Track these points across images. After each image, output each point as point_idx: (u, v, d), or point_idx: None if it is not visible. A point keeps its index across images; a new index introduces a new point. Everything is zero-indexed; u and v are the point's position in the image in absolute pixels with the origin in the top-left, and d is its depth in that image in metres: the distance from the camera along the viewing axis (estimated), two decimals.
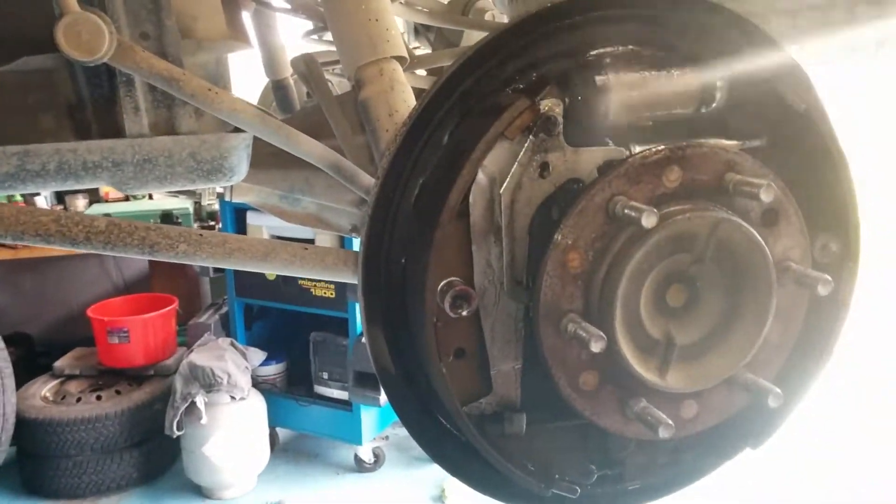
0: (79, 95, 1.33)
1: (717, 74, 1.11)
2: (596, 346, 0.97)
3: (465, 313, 1.02)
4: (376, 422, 5.31)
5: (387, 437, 5.69)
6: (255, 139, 1.48)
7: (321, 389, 5.34)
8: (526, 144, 1.02)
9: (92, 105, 1.33)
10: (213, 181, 1.44)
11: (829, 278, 1.07)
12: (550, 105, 1.02)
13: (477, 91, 1.05)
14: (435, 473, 5.20)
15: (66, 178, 1.34)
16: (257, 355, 5.34)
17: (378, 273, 1.07)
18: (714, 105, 1.11)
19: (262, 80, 2.65)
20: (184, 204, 6.26)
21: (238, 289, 5.40)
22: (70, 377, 5.43)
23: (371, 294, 1.07)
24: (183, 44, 1.32)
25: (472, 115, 1.05)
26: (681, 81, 1.09)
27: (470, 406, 1.09)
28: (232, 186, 2.07)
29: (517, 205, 1.03)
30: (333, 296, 5.02)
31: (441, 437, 1.14)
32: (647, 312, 1.04)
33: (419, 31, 2.73)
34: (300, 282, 5.10)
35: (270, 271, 1.32)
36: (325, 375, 5.31)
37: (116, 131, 1.34)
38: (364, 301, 1.07)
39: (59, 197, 6.36)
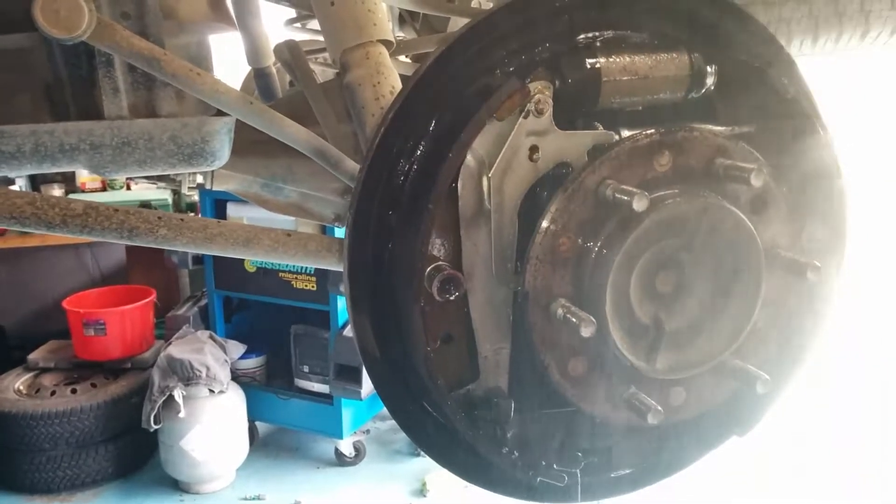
0: (56, 76, 1.30)
1: (707, 60, 1.10)
2: (586, 331, 0.96)
3: (452, 298, 1.01)
4: (357, 415, 5.28)
5: (368, 431, 5.66)
6: (238, 125, 1.45)
7: (301, 383, 5.30)
8: (515, 127, 1.00)
9: (70, 86, 1.30)
10: (194, 165, 1.41)
11: (819, 264, 1.06)
12: (540, 87, 1.01)
13: (465, 74, 1.03)
14: (416, 467, 5.19)
15: (43, 160, 1.30)
16: (237, 348, 5.29)
17: (364, 257, 1.06)
18: (703, 91, 1.11)
19: (243, 70, 2.61)
20: (162, 195, 6.18)
21: (217, 281, 5.34)
22: (44, 370, 5.35)
23: (357, 278, 1.05)
24: (164, 24, 1.29)
25: (461, 98, 1.03)
26: (671, 66, 1.08)
27: (457, 392, 1.07)
28: (213, 173, 2.04)
29: (506, 188, 1.02)
30: (315, 288, 4.98)
31: (427, 424, 1.12)
32: (636, 297, 1.03)
33: (405, 19, 2.71)
34: (280, 274, 5.06)
35: (252, 257, 1.30)
36: (306, 369, 5.27)
37: (95, 113, 1.30)
38: (350, 286, 1.06)
39: (34, 187, 6.26)
